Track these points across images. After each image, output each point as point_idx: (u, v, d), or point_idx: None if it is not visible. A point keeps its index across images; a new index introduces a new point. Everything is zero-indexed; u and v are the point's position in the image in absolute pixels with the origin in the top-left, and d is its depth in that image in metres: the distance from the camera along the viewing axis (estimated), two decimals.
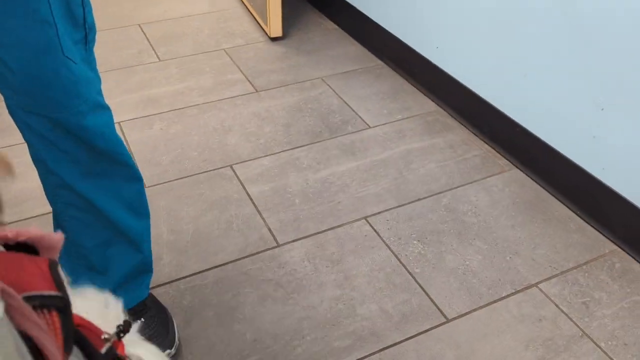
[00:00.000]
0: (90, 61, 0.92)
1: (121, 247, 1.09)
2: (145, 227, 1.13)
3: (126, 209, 1.07)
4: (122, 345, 0.49)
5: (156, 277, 1.33)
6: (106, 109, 0.97)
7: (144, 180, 1.60)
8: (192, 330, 1.23)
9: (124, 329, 0.49)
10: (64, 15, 0.83)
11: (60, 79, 0.85)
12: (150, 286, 1.30)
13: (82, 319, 0.46)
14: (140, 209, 1.10)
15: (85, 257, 1.08)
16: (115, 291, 1.13)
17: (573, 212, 1.55)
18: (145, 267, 1.16)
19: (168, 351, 1.13)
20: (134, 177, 1.07)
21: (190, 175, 1.63)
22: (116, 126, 1.80)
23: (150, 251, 1.17)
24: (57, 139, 0.92)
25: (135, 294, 1.15)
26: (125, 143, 1.74)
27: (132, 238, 1.09)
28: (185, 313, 1.26)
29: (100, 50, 2.19)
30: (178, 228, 1.47)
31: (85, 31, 0.88)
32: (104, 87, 1.92)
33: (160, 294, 1.29)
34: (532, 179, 1.66)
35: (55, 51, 0.83)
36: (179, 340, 1.19)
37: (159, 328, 1.14)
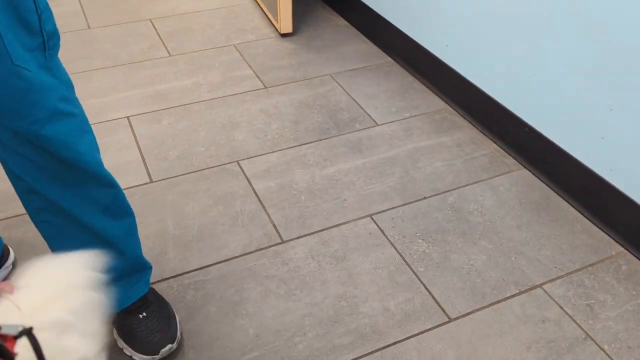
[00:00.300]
0: (52, 67, 0.89)
1: (102, 250, 1.07)
2: (126, 228, 1.10)
3: (101, 214, 1.03)
4: (13, 342, 0.46)
5: (160, 272, 1.34)
6: (71, 116, 0.93)
7: (151, 176, 1.62)
8: (195, 324, 1.24)
9: (27, 333, 0.47)
10: (11, 23, 0.80)
11: (10, 88, 0.83)
12: (154, 280, 1.32)
13: None
14: (118, 212, 1.07)
15: None
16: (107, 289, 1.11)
17: (580, 213, 1.53)
18: (138, 266, 1.15)
19: (170, 346, 1.13)
20: (107, 184, 1.03)
21: (197, 171, 1.64)
22: (124, 120, 1.84)
23: (139, 250, 1.16)
24: (19, 147, 0.90)
25: (133, 291, 1.15)
26: (133, 137, 1.76)
27: (112, 242, 1.07)
28: (189, 308, 1.27)
29: (110, 45, 2.22)
30: (183, 223, 1.48)
31: (44, 38, 0.86)
32: (113, 82, 1.92)
33: (163, 288, 1.30)
34: (540, 179, 1.64)
35: (2, 60, 0.80)
36: (181, 334, 1.20)
37: (161, 322, 1.15)
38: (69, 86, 0.95)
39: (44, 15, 0.85)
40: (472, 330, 1.24)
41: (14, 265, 1.35)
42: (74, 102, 0.95)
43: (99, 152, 1.03)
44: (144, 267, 1.17)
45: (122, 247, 1.10)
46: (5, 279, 1.32)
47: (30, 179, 0.95)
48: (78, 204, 1.00)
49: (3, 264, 1.30)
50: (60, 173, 0.95)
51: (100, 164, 1.01)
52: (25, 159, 0.92)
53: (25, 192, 0.99)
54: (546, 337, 1.23)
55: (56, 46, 0.90)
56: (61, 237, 1.05)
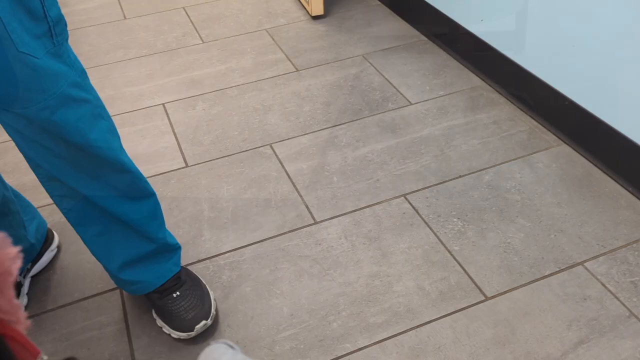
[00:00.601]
0: (61, 54, 0.89)
1: (124, 234, 1.08)
2: (147, 210, 1.11)
3: (120, 198, 1.04)
4: None
5: (196, 253, 1.37)
6: (83, 102, 0.93)
7: (187, 160, 1.65)
8: (231, 304, 1.25)
9: None
10: (14, 10, 0.80)
11: (16, 75, 0.83)
12: (191, 262, 1.34)
13: (14, 330, 0.39)
14: (137, 195, 1.08)
15: (89, 246, 1.11)
16: (136, 270, 1.13)
17: (624, 188, 1.47)
18: (164, 248, 1.17)
19: (204, 322, 1.15)
20: (122, 170, 1.03)
21: (231, 155, 1.66)
22: (160, 107, 1.87)
23: (163, 231, 1.17)
24: (34, 134, 0.90)
25: (163, 271, 1.17)
26: (168, 123, 1.79)
27: (134, 225, 1.08)
28: (224, 288, 1.29)
29: (145, 34, 2.26)
30: (218, 206, 1.49)
31: (49, 24, 0.86)
32: (149, 70, 1.96)
33: (199, 269, 1.33)
34: (581, 155, 1.59)
35: (6, 47, 0.80)
36: (216, 311, 1.21)
37: (195, 300, 1.17)
38: (81, 72, 0.95)
39: (47, 1, 0.86)
40: (509, 308, 1.22)
41: (58, 248, 1.40)
42: (87, 88, 0.95)
43: (117, 137, 1.04)
44: (172, 248, 1.19)
45: (146, 229, 1.11)
46: (50, 262, 1.37)
47: (49, 166, 0.96)
48: (96, 189, 1.01)
49: (48, 248, 1.35)
50: (76, 159, 0.96)
51: (116, 149, 1.01)
52: (42, 146, 0.93)
53: (46, 179, 1.01)
54: (587, 315, 1.19)
55: (64, 32, 0.90)
56: (85, 223, 1.07)
